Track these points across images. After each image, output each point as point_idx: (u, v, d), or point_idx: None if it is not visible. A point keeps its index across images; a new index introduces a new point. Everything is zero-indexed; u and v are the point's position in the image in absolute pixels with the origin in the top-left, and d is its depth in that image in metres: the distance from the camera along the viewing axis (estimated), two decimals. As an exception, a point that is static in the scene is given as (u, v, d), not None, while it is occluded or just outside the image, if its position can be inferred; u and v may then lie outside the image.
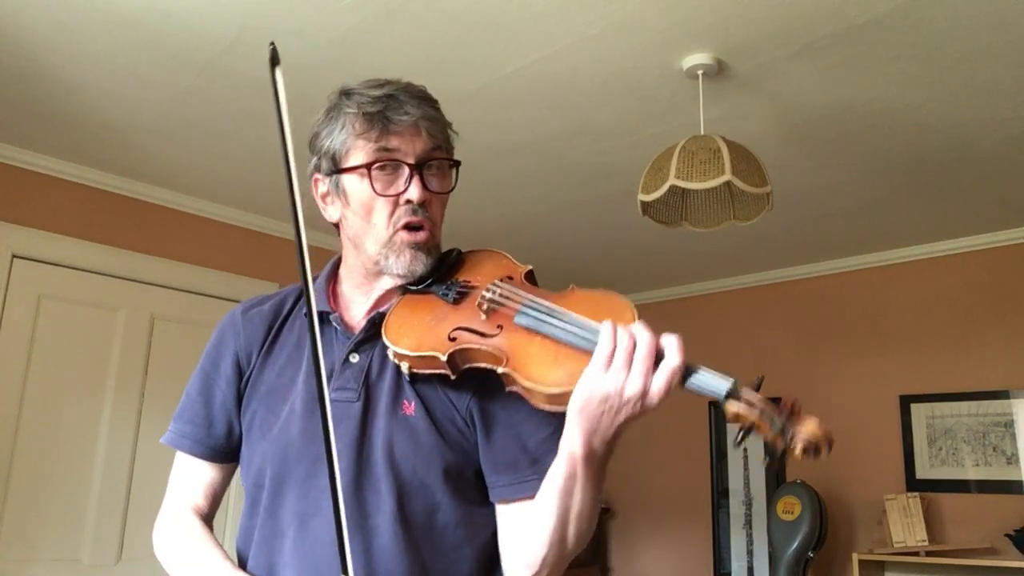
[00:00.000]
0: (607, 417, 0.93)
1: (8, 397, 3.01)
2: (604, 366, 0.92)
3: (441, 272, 1.14)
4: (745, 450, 4.32)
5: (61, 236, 3.19)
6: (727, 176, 2.13)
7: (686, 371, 0.92)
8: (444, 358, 1.02)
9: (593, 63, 2.34)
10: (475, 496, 1.10)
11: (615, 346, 0.93)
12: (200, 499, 1.22)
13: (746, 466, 4.30)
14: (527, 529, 1.04)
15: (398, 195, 1.10)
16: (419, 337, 1.06)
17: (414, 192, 1.09)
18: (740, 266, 4.31)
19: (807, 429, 0.87)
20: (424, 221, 1.11)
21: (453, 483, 1.08)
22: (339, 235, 1.21)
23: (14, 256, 3.08)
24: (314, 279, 1.23)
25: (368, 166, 1.09)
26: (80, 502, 3.14)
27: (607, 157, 2.97)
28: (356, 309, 1.18)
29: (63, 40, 2.30)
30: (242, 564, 1.14)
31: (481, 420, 1.08)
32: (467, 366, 1.04)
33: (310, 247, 1.02)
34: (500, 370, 0.99)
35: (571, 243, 3.97)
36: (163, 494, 1.24)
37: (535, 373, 0.97)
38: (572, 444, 0.96)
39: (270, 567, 1.09)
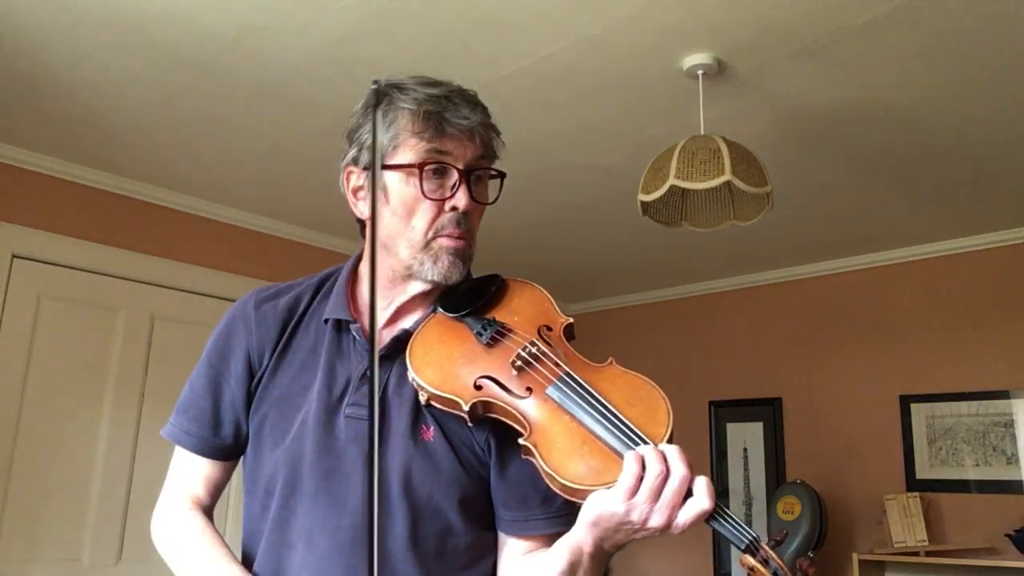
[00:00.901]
0: (622, 534, 0.90)
1: (8, 397, 3.01)
2: (629, 492, 0.87)
3: (478, 304, 1.09)
4: (745, 450, 4.32)
5: (61, 236, 3.19)
6: (727, 176, 2.13)
7: (713, 514, 0.88)
8: (466, 407, 0.99)
9: (593, 63, 2.34)
10: (487, 520, 1.08)
11: (644, 474, 0.88)
12: (201, 492, 1.18)
13: (746, 466, 4.30)
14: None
15: (444, 200, 1.06)
16: (444, 374, 1.02)
17: (461, 200, 1.06)
18: (740, 266, 4.31)
19: None
20: (463, 231, 1.08)
21: (468, 508, 1.06)
22: (362, 233, 1.15)
23: (14, 256, 3.08)
24: (331, 279, 1.20)
25: (420, 166, 1.05)
26: (80, 502, 3.14)
27: (607, 157, 2.97)
28: (377, 315, 1.13)
29: (63, 40, 2.30)
30: (248, 561, 1.12)
31: (498, 451, 1.05)
32: (488, 416, 1.01)
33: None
34: (521, 441, 0.95)
35: (571, 243, 3.97)
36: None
37: (556, 460, 0.93)
38: (581, 542, 0.93)
39: None
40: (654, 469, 0.87)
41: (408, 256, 1.08)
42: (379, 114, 1.07)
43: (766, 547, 0.89)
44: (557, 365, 1.00)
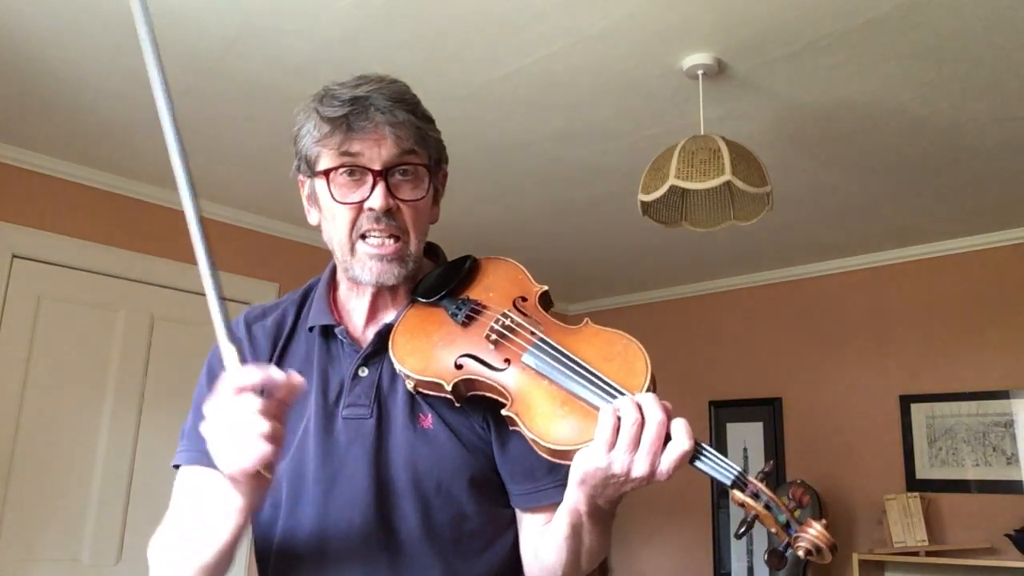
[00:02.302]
0: (612, 488, 0.91)
1: (8, 397, 3.01)
2: (608, 445, 0.87)
3: (453, 285, 1.11)
4: (745, 450, 4.32)
5: (61, 236, 3.19)
6: (727, 176, 2.13)
7: (695, 454, 0.88)
8: (449, 387, 1.00)
9: (593, 63, 2.34)
10: (500, 498, 1.09)
11: (620, 425, 0.88)
12: None
13: (746, 466, 4.30)
14: (543, 547, 1.03)
15: (360, 203, 1.04)
16: (425, 359, 1.03)
17: (376, 200, 1.03)
18: (740, 266, 4.31)
19: (812, 533, 0.85)
20: (390, 230, 1.05)
21: (478, 490, 1.06)
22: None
23: (14, 256, 3.08)
24: (314, 287, 1.21)
25: (326, 173, 1.05)
26: (80, 502, 3.14)
27: (607, 157, 2.97)
28: (357, 316, 1.15)
29: (63, 40, 2.30)
30: (263, 571, 1.11)
31: (496, 427, 1.06)
32: (472, 394, 1.02)
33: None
34: (504, 412, 0.96)
35: (571, 243, 3.97)
36: (163, 493, 1.20)
37: (538, 425, 0.94)
38: (576, 502, 0.94)
39: None
40: (629, 418, 0.87)
41: (341, 259, 1.10)
42: (303, 122, 1.09)
43: (754, 480, 0.88)
44: (532, 333, 1.01)
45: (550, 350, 0.98)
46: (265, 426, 0.84)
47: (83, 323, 3.24)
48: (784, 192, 3.09)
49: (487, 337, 1.03)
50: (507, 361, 1.00)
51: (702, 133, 2.31)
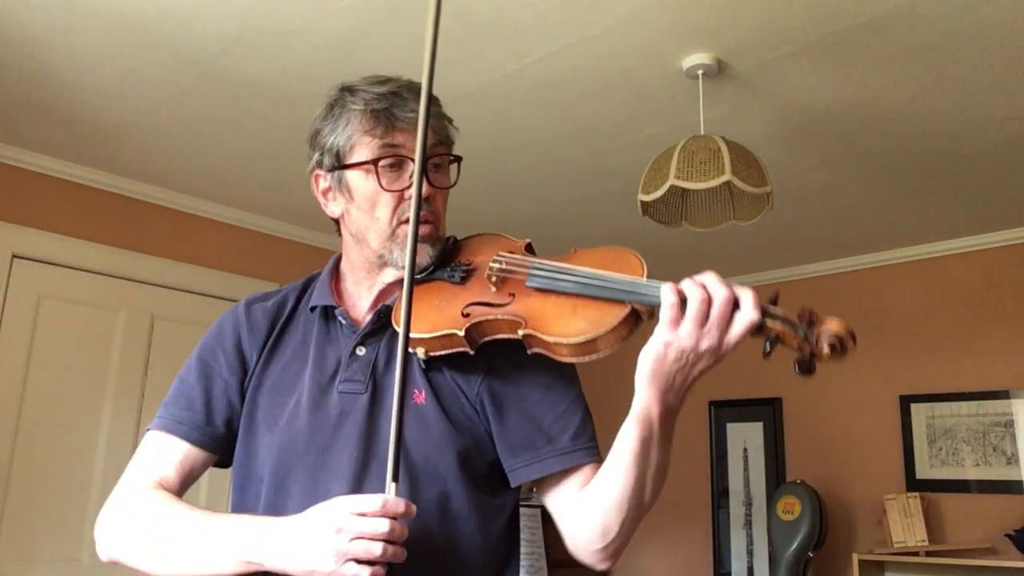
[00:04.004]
0: (681, 374, 0.94)
1: (8, 397, 3.01)
2: (674, 322, 0.91)
3: (441, 259, 1.16)
4: (745, 451, 4.32)
5: (61, 236, 3.19)
6: (727, 176, 2.13)
7: (761, 324, 0.92)
8: (462, 333, 1.03)
9: (593, 63, 2.34)
10: (486, 485, 1.11)
11: (687, 301, 0.91)
12: (172, 476, 1.12)
13: (746, 466, 4.30)
14: (593, 503, 1.04)
15: (403, 190, 1.11)
16: (432, 319, 1.07)
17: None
18: (740, 266, 4.31)
19: (829, 328, 0.90)
20: (428, 215, 1.13)
21: (464, 470, 1.08)
22: (338, 231, 1.22)
23: (14, 256, 3.08)
24: (316, 276, 1.26)
25: (375, 162, 1.11)
26: (80, 502, 3.14)
27: (607, 157, 2.97)
28: (361, 304, 1.19)
29: (63, 40, 2.30)
30: None
31: (492, 404, 1.10)
32: (485, 339, 1.05)
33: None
34: (521, 332, 1.00)
35: (571, 243, 3.96)
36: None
37: (556, 328, 0.98)
38: (648, 407, 0.96)
39: None
40: (696, 295, 0.91)
41: (378, 246, 1.14)
42: (334, 118, 1.15)
43: (768, 305, 0.92)
44: (528, 263, 1.07)
45: (549, 268, 1.04)
46: (384, 553, 0.89)
47: (83, 323, 3.25)
48: (784, 192, 3.09)
49: (488, 278, 1.07)
50: (512, 295, 1.05)
51: (702, 133, 2.31)
